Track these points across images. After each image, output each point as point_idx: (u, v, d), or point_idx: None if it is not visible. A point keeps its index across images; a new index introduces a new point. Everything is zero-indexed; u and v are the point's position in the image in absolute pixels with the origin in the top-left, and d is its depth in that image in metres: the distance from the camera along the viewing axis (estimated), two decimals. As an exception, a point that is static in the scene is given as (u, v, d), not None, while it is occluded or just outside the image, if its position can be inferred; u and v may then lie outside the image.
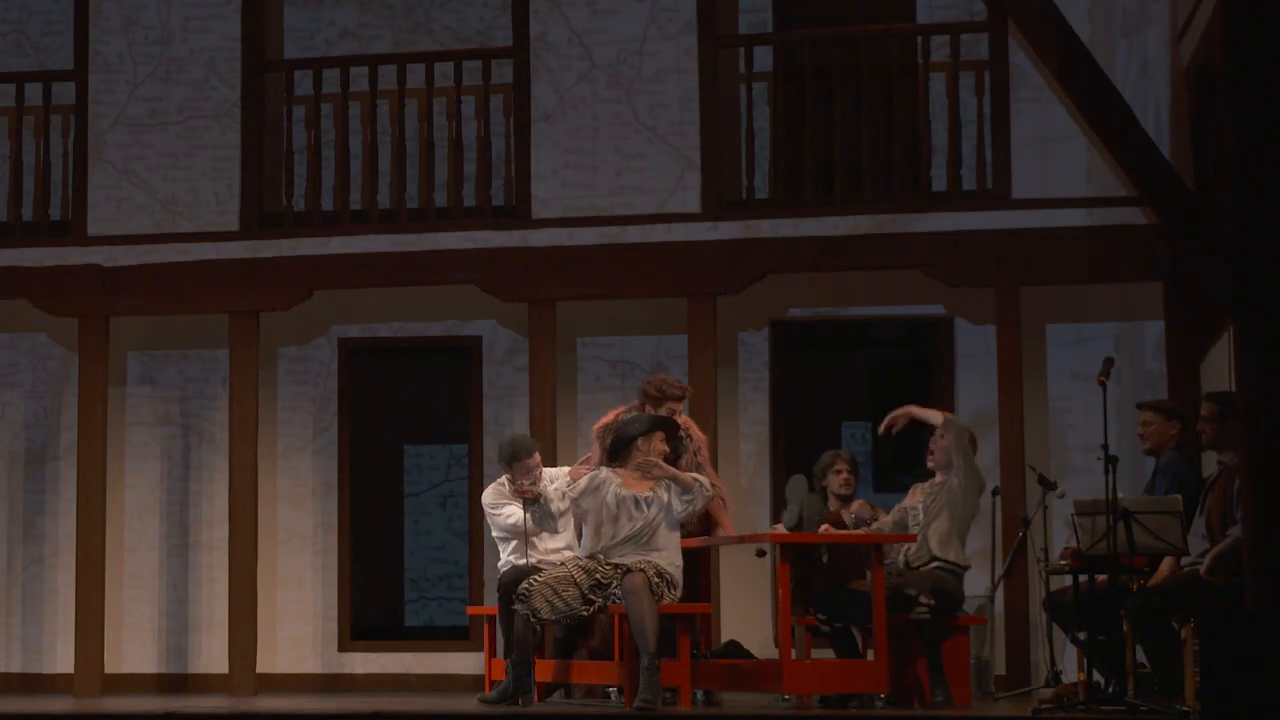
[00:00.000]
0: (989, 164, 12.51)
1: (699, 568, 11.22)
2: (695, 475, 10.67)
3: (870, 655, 10.49)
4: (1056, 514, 12.04)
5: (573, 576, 10.38)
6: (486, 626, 11.61)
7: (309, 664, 13.60)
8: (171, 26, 13.41)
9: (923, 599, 10.24)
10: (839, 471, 11.27)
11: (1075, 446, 12.71)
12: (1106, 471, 9.65)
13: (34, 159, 13.54)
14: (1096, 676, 9.96)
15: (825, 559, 10.96)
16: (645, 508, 10.45)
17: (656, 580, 10.29)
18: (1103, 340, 12.79)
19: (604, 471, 10.63)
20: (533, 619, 10.30)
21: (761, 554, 11.97)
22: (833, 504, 11.27)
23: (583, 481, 10.66)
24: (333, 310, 13.74)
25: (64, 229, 13.43)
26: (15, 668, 13.84)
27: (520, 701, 10.37)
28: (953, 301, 13.08)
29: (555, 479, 11.08)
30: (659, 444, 10.62)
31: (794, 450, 13.25)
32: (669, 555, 10.47)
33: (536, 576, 10.43)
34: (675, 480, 10.51)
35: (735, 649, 11.07)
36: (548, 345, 12.77)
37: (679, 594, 10.49)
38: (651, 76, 12.87)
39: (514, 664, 10.40)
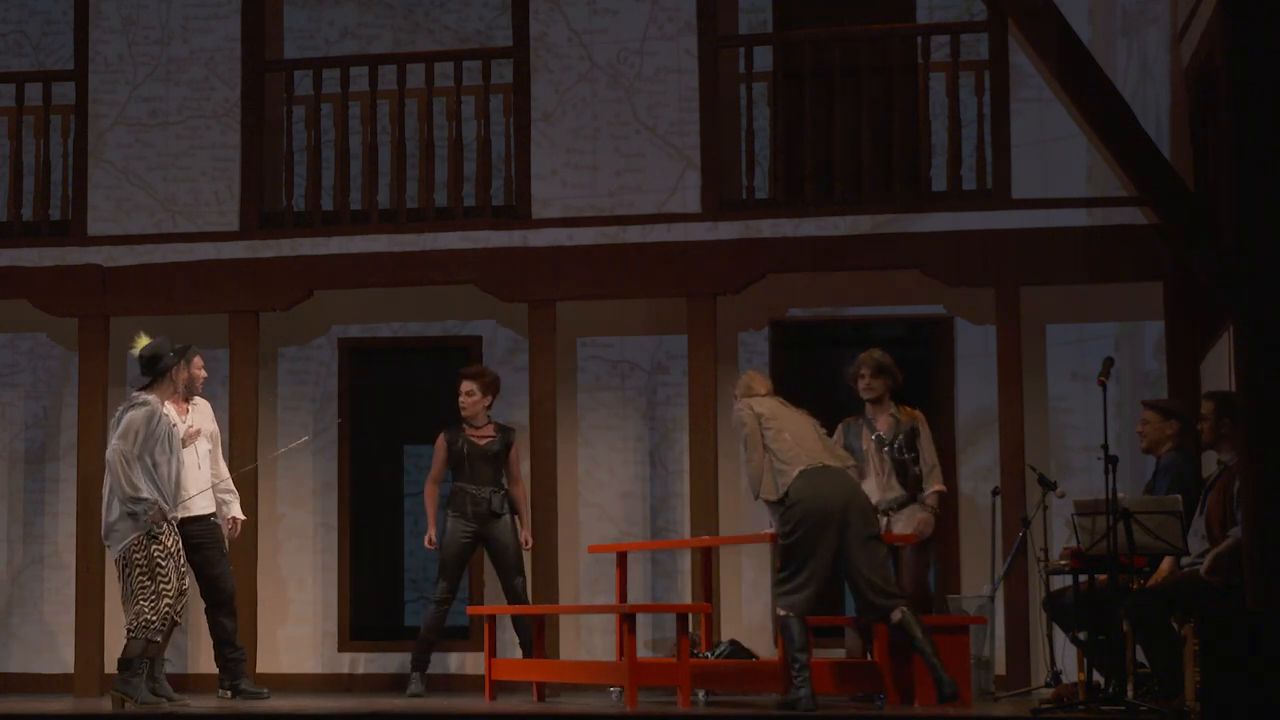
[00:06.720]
0: (989, 164, 12.52)
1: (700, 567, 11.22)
2: None
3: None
4: (1056, 514, 12.03)
5: None
6: (486, 626, 11.61)
7: (309, 664, 13.59)
8: (171, 26, 13.41)
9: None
10: (861, 377, 11.46)
11: (1075, 446, 12.70)
12: (1106, 471, 9.65)
13: (34, 159, 13.55)
14: (1096, 676, 9.95)
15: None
16: None
17: None
18: (1103, 340, 12.78)
19: None
20: None
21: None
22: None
23: None
24: (333, 310, 13.73)
25: (64, 229, 13.44)
26: (15, 668, 13.83)
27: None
28: (953, 301, 13.07)
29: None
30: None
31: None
32: None
33: None
34: None
35: (735, 649, 11.07)
36: (548, 345, 12.77)
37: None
38: (651, 76, 12.87)
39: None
